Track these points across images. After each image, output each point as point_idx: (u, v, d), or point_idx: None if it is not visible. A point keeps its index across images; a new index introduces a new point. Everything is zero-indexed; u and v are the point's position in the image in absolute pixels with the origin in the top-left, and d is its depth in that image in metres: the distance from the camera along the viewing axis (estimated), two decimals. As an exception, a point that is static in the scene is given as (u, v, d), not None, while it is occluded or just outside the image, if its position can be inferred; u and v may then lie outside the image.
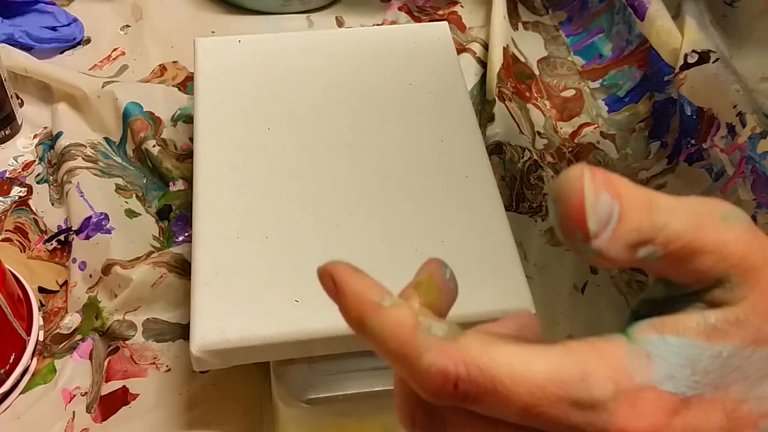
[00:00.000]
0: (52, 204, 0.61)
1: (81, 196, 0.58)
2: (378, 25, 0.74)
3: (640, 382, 0.23)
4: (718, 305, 0.24)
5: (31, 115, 0.67)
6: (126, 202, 0.59)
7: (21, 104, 0.67)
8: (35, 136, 0.66)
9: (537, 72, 0.69)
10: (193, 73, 0.58)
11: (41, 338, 0.53)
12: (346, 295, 0.25)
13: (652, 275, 0.26)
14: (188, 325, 0.42)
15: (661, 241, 0.23)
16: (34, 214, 0.60)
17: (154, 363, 0.52)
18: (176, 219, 0.59)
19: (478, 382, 0.23)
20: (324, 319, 0.41)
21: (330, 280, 0.26)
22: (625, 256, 0.23)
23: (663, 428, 0.23)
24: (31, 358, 0.52)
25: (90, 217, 0.57)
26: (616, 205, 0.23)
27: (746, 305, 0.24)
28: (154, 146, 0.61)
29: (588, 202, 0.22)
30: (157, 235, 0.58)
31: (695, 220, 0.24)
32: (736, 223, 0.24)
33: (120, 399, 0.50)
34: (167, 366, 0.52)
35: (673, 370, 0.24)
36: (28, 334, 0.52)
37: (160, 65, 0.70)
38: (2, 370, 0.49)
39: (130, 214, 0.59)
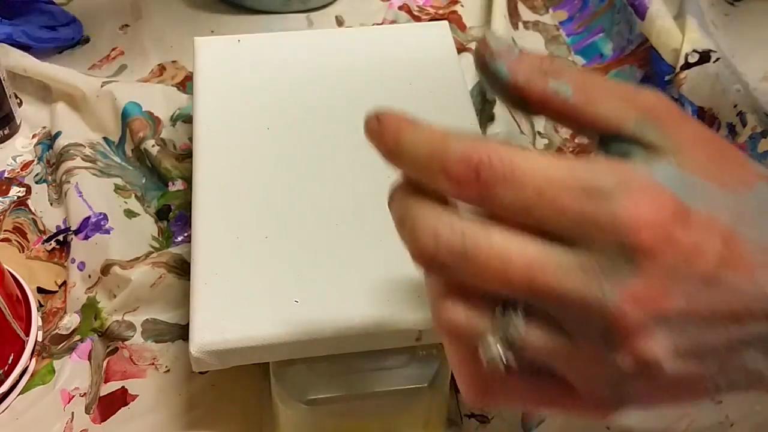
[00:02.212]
0: (51, 204, 0.61)
1: (80, 196, 0.58)
2: (378, 24, 0.73)
3: (643, 177, 0.25)
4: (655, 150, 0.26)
5: (30, 115, 0.67)
6: (125, 202, 0.59)
7: (20, 104, 0.67)
8: (34, 136, 0.65)
9: (537, 72, 0.69)
10: (192, 73, 0.58)
11: (40, 339, 0.53)
12: (386, 124, 0.27)
13: (575, 129, 0.28)
14: (187, 325, 0.42)
15: (572, 77, 0.27)
16: (33, 214, 0.60)
17: (153, 363, 0.51)
18: (175, 219, 0.59)
19: (497, 168, 0.25)
20: (324, 319, 0.41)
21: (374, 119, 0.28)
22: (537, 81, 0.27)
23: (668, 220, 0.25)
24: (30, 359, 0.51)
25: (89, 217, 0.57)
26: (517, 48, 0.28)
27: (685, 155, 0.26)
28: (153, 146, 0.61)
29: (488, 35, 0.28)
30: (156, 236, 0.58)
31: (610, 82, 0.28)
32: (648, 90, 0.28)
33: (119, 400, 0.50)
34: (166, 367, 0.51)
35: (671, 176, 0.26)
36: (27, 334, 0.52)
37: (159, 65, 0.70)
38: (1, 371, 0.49)
39: (129, 214, 0.59)
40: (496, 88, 0.28)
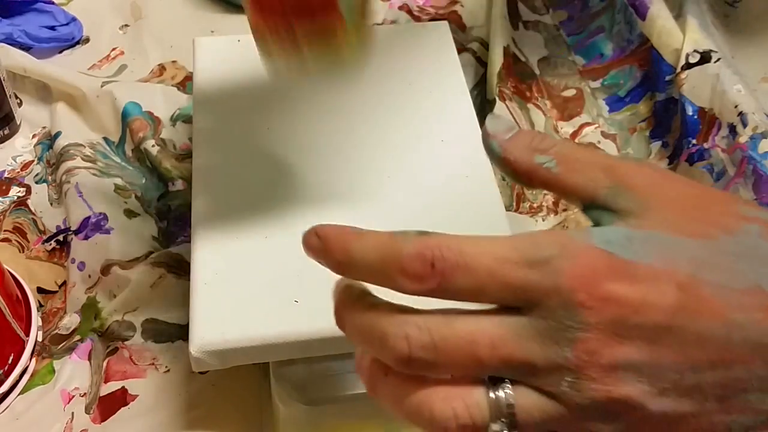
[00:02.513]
0: (51, 204, 0.61)
1: (80, 196, 0.58)
2: (378, 24, 0.73)
3: (581, 242, 0.28)
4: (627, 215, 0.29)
5: (30, 115, 0.67)
6: (125, 202, 0.59)
7: (20, 104, 0.67)
8: (34, 136, 0.65)
9: (537, 72, 0.69)
10: (192, 73, 0.58)
11: (40, 339, 0.53)
12: (329, 238, 0.30)
13: (558, 194, 0.31)
14: (187, 325, 0.42)
15: (556, 151, 0.30)
16: (33, 214, 0.60)
17: (153, 364, 0.51)
18: (175, 219, 0.58)
19: (450, 259, 0.28)
20: (324, 319, 0.41)
21: (314, 236, 0.30)
22: (524, 156, 0.31)
23: (602, 276, 0.27)
24: (30, 359, 0.51)
25: (89, 217, 0.57)
26: (516, 127, 0.32)
27: (655, 213, 0.29)
28: (153, 146, 0.61)
29: (490, 118, 0.32)
30: (156, 236, 0.58)
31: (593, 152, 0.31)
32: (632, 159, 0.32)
33: (119, 400, 0.50)
34: (166, 367, 0.51)
35: (610, 235, 0.28)
36: (27, 334, 0.52)
37: (159, 65, 0.70)
38: (1, 371, 0.49)
39: (129, 214, 0.59)
40: (494, 161, 0.32)
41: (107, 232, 0.56)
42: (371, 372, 0.30)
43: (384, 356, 0.29)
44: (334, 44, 0.40)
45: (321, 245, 0.30)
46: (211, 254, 0.44)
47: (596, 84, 0.68)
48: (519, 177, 0.32)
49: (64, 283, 0.56)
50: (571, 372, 0.27)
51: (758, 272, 0.28)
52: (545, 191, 0.35)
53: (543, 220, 0.59)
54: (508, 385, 0.28)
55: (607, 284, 0.27)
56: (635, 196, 0.29)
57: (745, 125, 0.56)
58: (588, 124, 0.65)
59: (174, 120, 0.64)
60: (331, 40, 0.40)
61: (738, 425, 0.28)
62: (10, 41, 0.68)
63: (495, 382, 0.29)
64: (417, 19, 0.74)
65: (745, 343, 0.27)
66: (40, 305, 0.55)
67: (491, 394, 0.28)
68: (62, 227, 0.59)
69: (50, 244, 0.58)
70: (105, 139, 0.64)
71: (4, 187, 0.61)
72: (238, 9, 0.75)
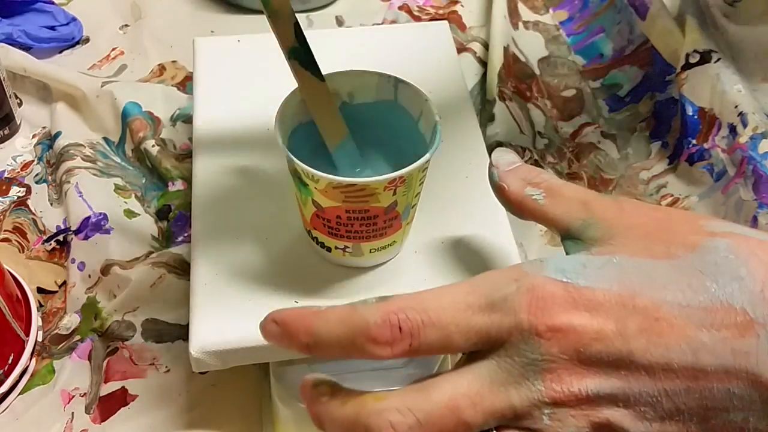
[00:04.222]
0: (51, 204, 0.61)
1: (80, 196, 0.58)
2: (378, 24, 0.73)
3: (535, 274, 0.29)
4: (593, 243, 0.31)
5: (30, 115, 0.67)
6: (125, 202, 0.59)
7: (20, 104, 0.67)
8: (34, 136, 0.65)
9: (537, 71, 0.69)
10: (192, 73, 0.58)
11: (40, 339, 0.53)
12: (289, 322, 0.30)
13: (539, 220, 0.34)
14: (187, 325, 0.42)
15: (545, 186, 0.33)
16: (33, 214, 0.60)
17: (153, 364, 0.51)
18: (175, 219, 0.58)
19: (415, 319, 0.28)
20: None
21: (272, 323, 0.30)
22: (517, 187, 0.34)
23: (557, 306, 0.28)
24: (30, 359, 0.51)
25: (89, 217, 0.57)
26: (519, 162, 0.35)
27: (618, 241, 0.30)
28: (153, 146, 0.61)
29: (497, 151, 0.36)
30: (156, 236, 0.58)
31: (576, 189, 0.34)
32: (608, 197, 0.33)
33: (119, 400, 0.50)
34: (166, 367, 0.51)
35: (564, 264, 0.29)
36: (27, 334, 0.52)
37: (159, 65, 0.70)
38: (1, 371, 0.49)
39: (129, 214, 0.59)
40: (493, 188, 0.35)
41: (107, 232, 0.56)
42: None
43: None
44: (390, 248, 0.43)
45: (282, 331, 0.30)
46: (211, 254, 0.44)
47: (596, 84, 0.68)
48: (511, 205, 0.34)
49: (64, 283, 0.56)
50: (547, 405, 0.28)
51: (725, 288, 0.27)
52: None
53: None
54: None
55: (564, 313, 0.28)
56: (603, 225, 0.31)
57: (745, 125, 0.56)
58: (588, 124, 0.65)
59: (174, 120, 0.64)
60: (389, 247, 0.43)
61: None
62: (10, 41, 0.68)
63: None
64: (417, 19, 0.74)
65: (717, 363, 0.27)
66: (40, 305, 0.55)
67: None
68: (62, 227, 0.59)
69: (50, 244, 0.58)
70: (105, 139, 0.64)
71: (4, 187, 0.61)
72: (238, 9, 0.75)
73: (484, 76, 0.67)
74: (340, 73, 0.43)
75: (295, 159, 0.38)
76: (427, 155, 0.39)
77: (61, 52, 0.71)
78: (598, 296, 0.28)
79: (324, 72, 0.42)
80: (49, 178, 0.62)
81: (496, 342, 0.29)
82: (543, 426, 0.28)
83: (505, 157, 0.35)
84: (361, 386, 0.43)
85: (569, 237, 0.32)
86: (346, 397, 0.30)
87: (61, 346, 0.53)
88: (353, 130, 0.43)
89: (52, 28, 0.71)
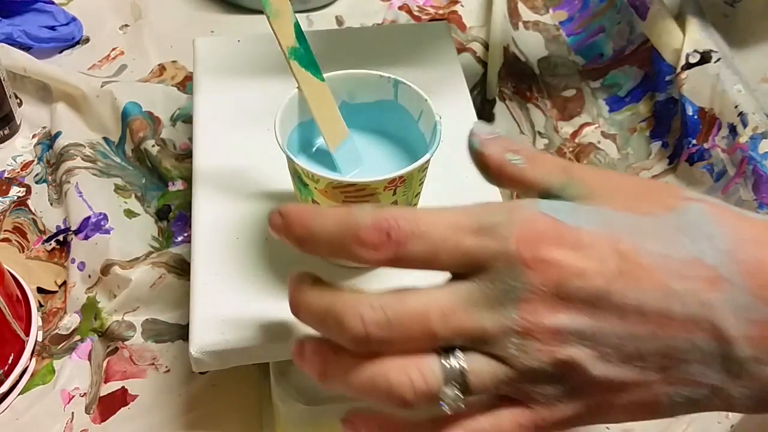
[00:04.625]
0: (51, 204, 0.61)
1: (80, 196, 0.58)
2: (378, 24, 0.73)
3: (526, 208, 0.30)
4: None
5: (30, 115, 0.67)
6: (125, 202, 0.59)
7: (20, 104, 0.67)
8: (34, 136, 0.65)
9: (537, 71, 0.69)
10: (192, 73, 0.58)
11: (40, 339, 0.53)
12: (291, 215, 0.31)
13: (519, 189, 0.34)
14: (187, 325, 0.42)
15: (525, 153, 0.33)
16: (33, 214, 0.60)
17: (153, 364, 0.51)
18: (175, 219, 0.58)
19: (405, 228, 0.29)
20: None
21: (277, 215, 0.31)
22: (497, 152, 0.33)
23: (547, 240, 0.29)
24: (30, 359, 0.51)
25: (89, 217, 0.57)
26: (499, 134, 0.34)
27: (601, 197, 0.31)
28: (153, 146, 0.61)
29: (476, 123, 0.35)
30: (156, 236, 0.58)
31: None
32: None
33: (119, 400, 0.50)
34: (166, 367, 0.51)
35: (557, 205, 0.30)
36: (27, 334, 0.52)
37: (159, 65, 0.70)
38: (1, 371, 0.49)
39: (129, 214, 0.59)
40: (472, 156, 0.34)
41: (107, 232, 0.56)
42: (319, 357, 0.31)
43: (340, 337, 0.30)
44: None
45: (283, 223, 0.31)
46: (211, 254, 0.44)
47: (596, 84, 0.68)
48: (490, 171, 0.34)
49: (64, 283, 0.56)
50: (517, 334, 0.29)
51: (699, 245, 0.29)
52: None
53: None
54: (460, 353, 0.30)
55: (551, 247, 0.29)
56: (583, 185, 0.31)
57: (745, 125, 0.56)
58: (588, 124, 0.65)
59: (174, 120, 0.64)
60: None
61: (680, 397, 0.30)
62: (10, 41, 0.68)
63: (446, 350, 0.30)
64: (417, 19, 0.74)
65: (685, 313, 0.28)
66: (40, 305, 0.55)
67: (444, 362, 0.29)
68: (62, 227, 0.59)
69: (50, 244, 0.58)
70: (105, 139, 0.64)
71: (4, 187, 0.61)
72: (238, 9, 0.75)
73: (484, 76, 0.67)
74: (339, 74, 0.43)
75: (295, 159, 0.38)
76: (427, 155, 0.39)
77: (61, 52, 0.71)
78: (584, 236, 0.29)
79: (324, 72, 0.42)
80: (49, 178, 0.62)
81: (479, 266, 0.29)
82: (507, 354, 0.29)
83: (485, 128, 0.35)
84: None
85: (549, 196, 0.33)
86: (325, 288, 0.31)
87: (61, 346, 0.53)
88: (353, 130, 0.43)
89: (52, 28, 0.71)
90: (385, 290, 0.30)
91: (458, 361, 0.29)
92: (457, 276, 0.30)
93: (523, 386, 0.30)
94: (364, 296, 0.30)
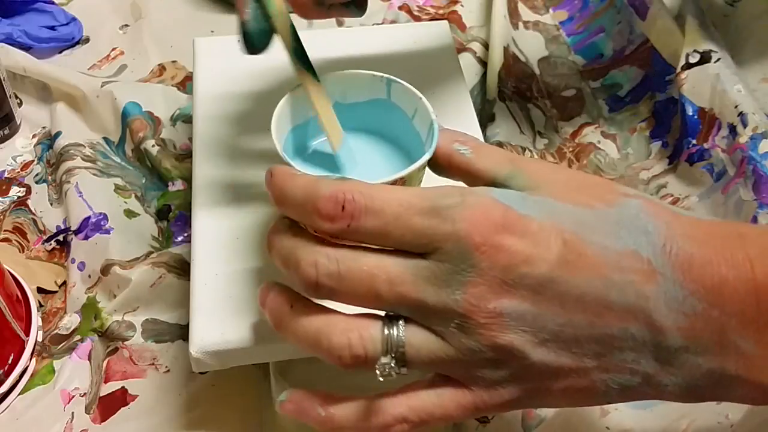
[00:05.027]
0: (51, 204, 0.61)
1: (80, 196, 0.58)
2: (378, 24, 0.73)
3: (480, 194, 0.31)
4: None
5: (30, 115, 0.67)
6: (125, 202, 0.59)
7: (20, 104, 0.67)
8: (34, 136, 0.65)
9: (537, 71, 0.69)
10: (192, 73, 0.58)
11: (40, 339, 0.53)
12: (275, 175, 0.33)
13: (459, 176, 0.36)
14: (187, 325, 0.42)
15: (472, 144, 0.35)
16: (33, 214, 0.60)
17: (153, 364, 0.51)
18: (175, 219, 0.59)
19: (360, 202, 0.31)
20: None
21: (269, 172, 0.34)
22: (445, 143, 0.35)
23: (497, 226, 0.30)
24: (30, 359, 0.51)
25: (89, 217, 0.57)
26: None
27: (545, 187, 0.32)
28: (153, 146, 0.61)
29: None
30: (156, 236, 0.58)
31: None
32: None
33: (119, 400, 0.50)
34: (166, 367, 0.51)
35: (507, 193, 0.32)
36: (27, 334, 0.52)
37: (159, 65, 0.70)
38: (1, 371, 0.49)
39: (129, 214, 0.59)
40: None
41: (107, 232, 0.56)
42: (276, 305, 0.33)
43: (295, 279, 0.32)
44: None
45: (269, 180, 0.34)
46: (211, 254, 0.44)
47: (596, 84, 0.68)
48: (438, 160, 0.36)
49: (64, 283, 0.56)
50: (459, 315, 0.30)
51: (636, 239, 0.30)
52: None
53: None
54: (402, 323, 0.31)
55: (501, 233, 0.30)
56: (528, 176, 0.33)
57: (745, 125, 0.56)
58: (588, 124, 0.65)
59: (174, 120, 0.64)
60: None
61: (615, 383, 0.31)
62: (10, 41, 0.68)
63: (391, 319, 0.31)
64: (417, 19, 0.74)
65: (622, 303, 0.30)
66: (40, 305, 0.55)
67: (386, 330, 0.31)
68: (62, 227, 0.59)
69: (50, 244, 0.58)
70: (105, 139, 0.64)
71: (4, 187, 0.61)
72: (238, 9, 0.75)
73: (484, 76, 0.67)
74: (331, 74, 0.43)
75: (291, 162, 0.38)
76: (427, 155, 0.39)
77: (61, 52, 0.71)
78: (533, 225, 0.30)
79: (323, 74, 0.42)
80: (49, 178, 0.62)
81: (430, 246, 0.30)
82: (447, 332, 0.30)
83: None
84: (361, 385, 0.43)
85: (494, 185, 0.34)
86: (297, 233, 0.33)
87: (61, 346, 0.53)
88: (347, 130, 0.43)
89: (52, 28, 0.71)
90: (345, 247, 0.32)
91: (399, 331, 0.31)
92: (413, 255, 0.31)
93: (463, 367, 0.31)
94: (324, 247, 0.31)
